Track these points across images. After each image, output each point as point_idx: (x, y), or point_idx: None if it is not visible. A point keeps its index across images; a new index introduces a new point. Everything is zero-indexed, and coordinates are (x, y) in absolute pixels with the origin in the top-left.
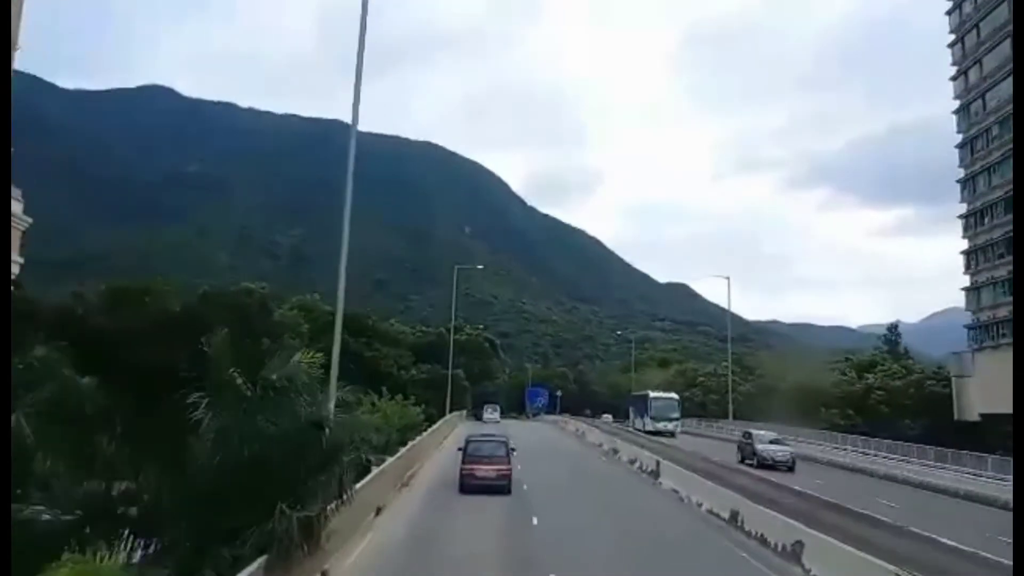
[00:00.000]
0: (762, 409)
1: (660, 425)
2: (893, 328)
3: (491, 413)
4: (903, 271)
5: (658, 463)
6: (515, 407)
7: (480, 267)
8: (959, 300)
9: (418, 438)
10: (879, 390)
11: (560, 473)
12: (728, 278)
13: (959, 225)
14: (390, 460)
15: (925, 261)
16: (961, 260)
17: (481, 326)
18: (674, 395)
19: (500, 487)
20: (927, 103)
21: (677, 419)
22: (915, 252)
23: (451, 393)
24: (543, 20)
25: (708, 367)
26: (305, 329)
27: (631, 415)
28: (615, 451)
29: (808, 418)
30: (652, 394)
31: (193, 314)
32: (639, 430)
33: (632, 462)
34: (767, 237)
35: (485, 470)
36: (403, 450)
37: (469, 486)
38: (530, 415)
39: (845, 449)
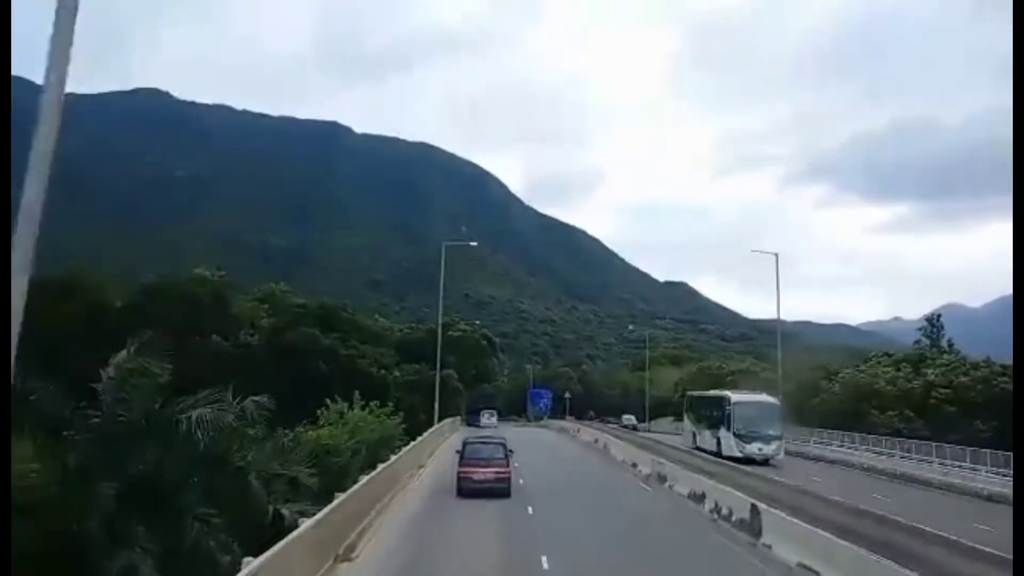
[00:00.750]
0: (801, 409)
1: (752, 448)
2: (935, 319)
3: (488, 418)
4: (900, 268)
5: (754, 509)
6: (516, 410)
7: (473, 244)
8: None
9: (381, 467)
10: (942, 388)
11: (590, 520)
12: (776, 254)
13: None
14: (305, 526)
15: (922, 258)
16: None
17: (477, 322)
18: (770, 398)
19: (499, 490)
20: (927, 100)
21: (779, 439)
22: (912, 249)
23: (440, 396)
24: (543, 20)
25: (741, 364)
26: (266, 322)
27: (689, 427)
28: (662, 477)
29: (858, 421)
30: (735, 396)
31: (133, 308)
32: (706, 450)
33: (697, 499)
34: (766, 235)
35: (483, 472)
36: (342, 497)
37: (467, 489)
38: (532, 419)
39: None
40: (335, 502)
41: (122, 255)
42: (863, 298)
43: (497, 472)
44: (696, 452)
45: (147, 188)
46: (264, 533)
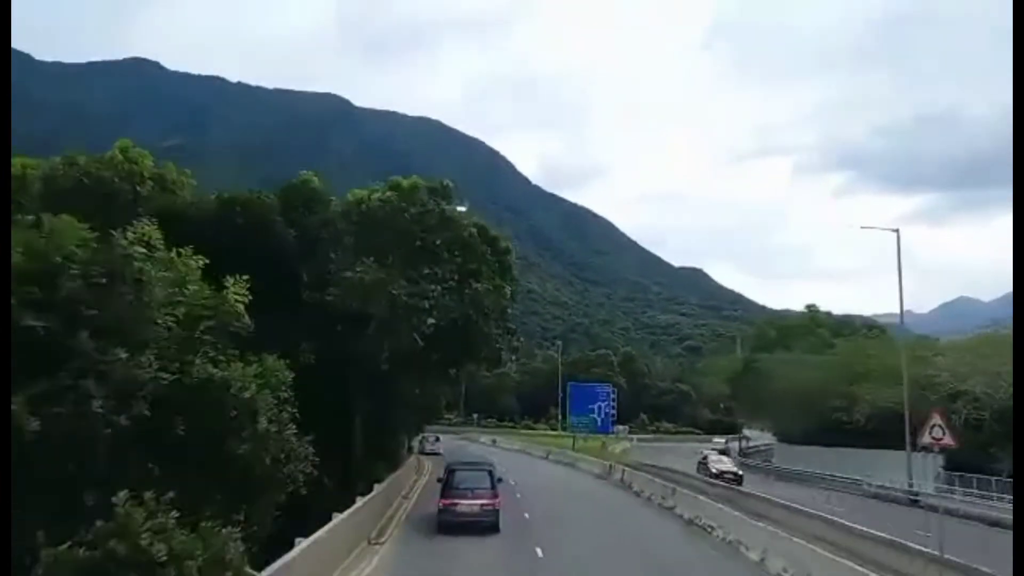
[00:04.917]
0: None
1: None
2: None
3: (434, 443)
4: (913, 261)
5: None
6: (535, 413)
7: None
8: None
9: None
10: None
11: None
12: (897, 230)
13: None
14: None
15: (934, 251)
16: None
17: (462, 208)
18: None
19: (487, 523)
20: (951, 91)
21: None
22: (924, 241)
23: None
24: (560, 2)
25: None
26: None
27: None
28: None
29: None
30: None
31: None
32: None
33: None
34: (782, 224)
35: (468, 504)
36: None
37: (449, 523)
38: (575, 438)
39: None
40: None
41: None
42: (876, 289)
43: (484, 504)
44: None
45: None
46: None
